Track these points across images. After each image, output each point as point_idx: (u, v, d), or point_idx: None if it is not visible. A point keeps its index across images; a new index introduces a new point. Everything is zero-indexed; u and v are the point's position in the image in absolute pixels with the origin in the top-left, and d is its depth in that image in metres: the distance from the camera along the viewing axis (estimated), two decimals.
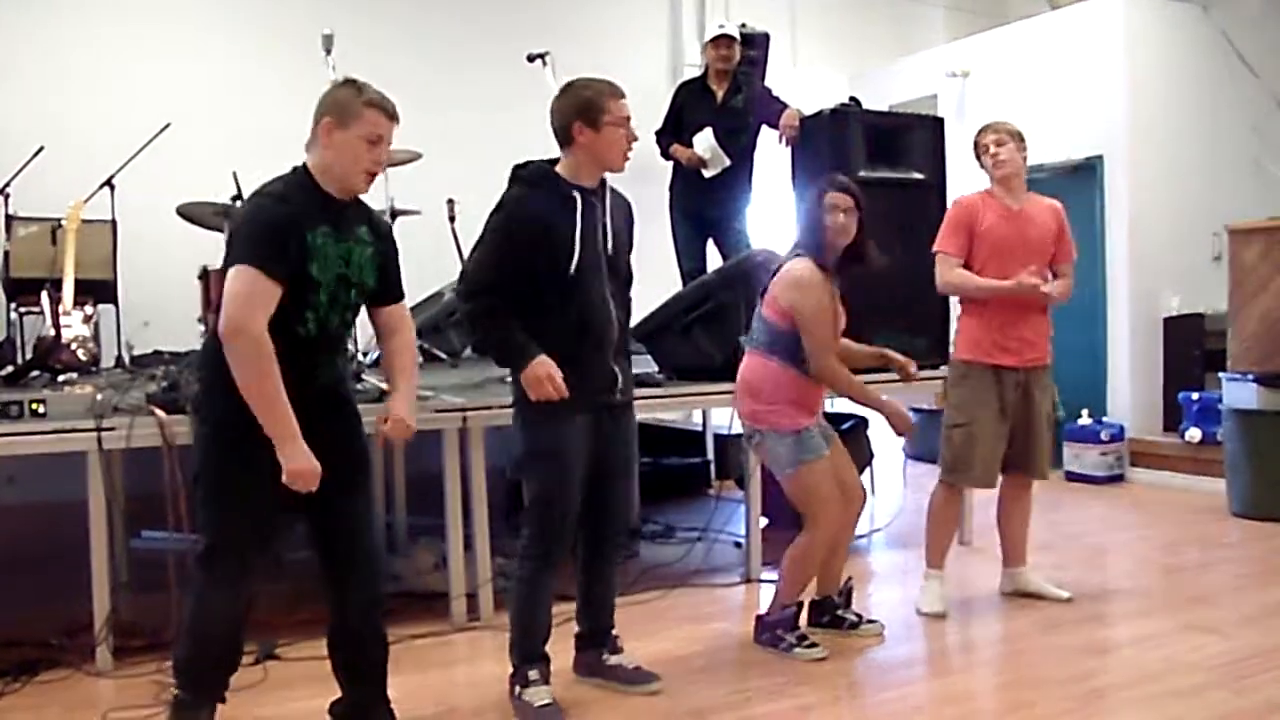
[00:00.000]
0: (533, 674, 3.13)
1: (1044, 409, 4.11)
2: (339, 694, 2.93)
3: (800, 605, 3.73)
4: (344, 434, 2.80)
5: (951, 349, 4.20)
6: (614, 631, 3.40)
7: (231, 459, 2.65)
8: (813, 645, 3.63)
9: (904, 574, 4.63)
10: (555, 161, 3.16)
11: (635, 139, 3.16)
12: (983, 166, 4.12)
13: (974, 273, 4.01)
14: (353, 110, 2.65)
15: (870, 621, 3.85)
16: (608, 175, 3.21)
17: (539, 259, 3.05)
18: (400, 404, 2.86)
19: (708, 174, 5.61)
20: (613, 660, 3.36)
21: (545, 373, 3.01)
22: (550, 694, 3.13)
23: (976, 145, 4.11)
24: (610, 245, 3.15)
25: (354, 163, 2.67)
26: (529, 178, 3.13)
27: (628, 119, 3.11)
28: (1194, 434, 6.38)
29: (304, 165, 2.70)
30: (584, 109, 3.07)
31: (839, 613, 3.86)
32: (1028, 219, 4.04)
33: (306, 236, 2.59)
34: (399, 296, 2.95)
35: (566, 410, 3.06)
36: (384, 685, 2.94)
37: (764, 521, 4.66)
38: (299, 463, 2.56)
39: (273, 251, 2.55)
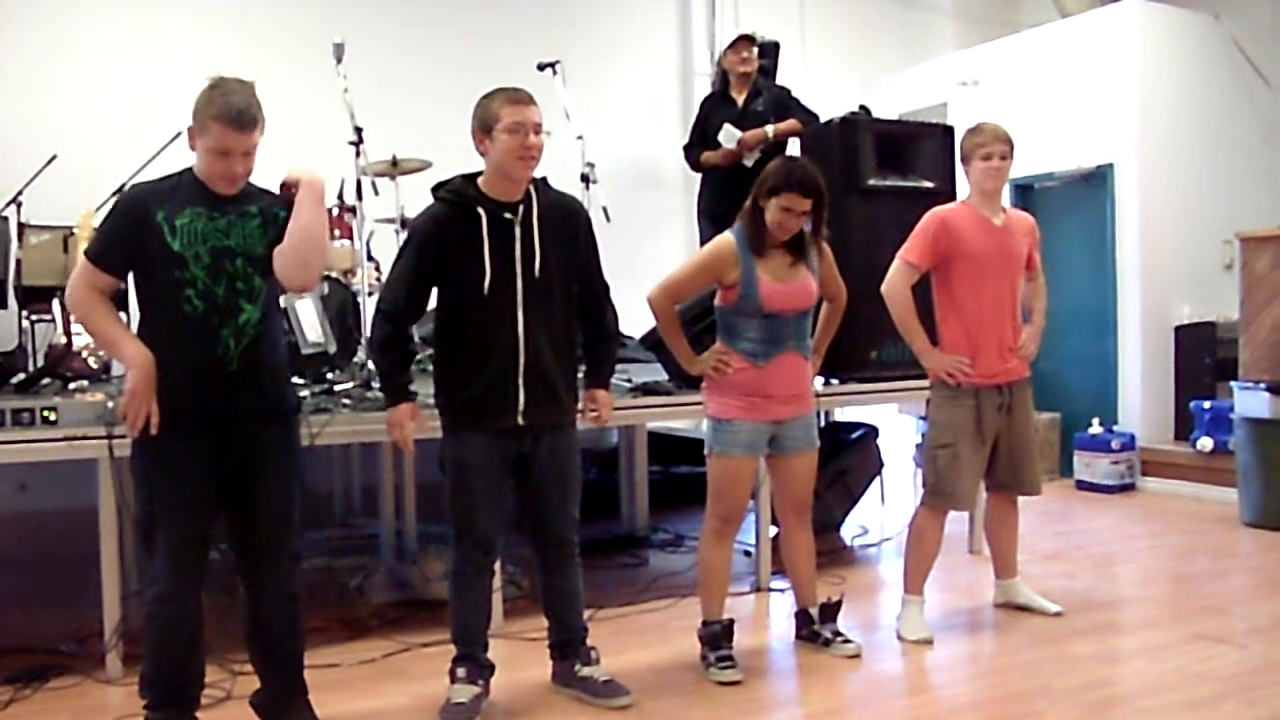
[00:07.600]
0: (460, 671, 3.22)
1: (1029, 423, 4.03)
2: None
3: (721, 624, 3.63)
4: (257, 421, 2.78)
5: None
6: (588, 643, 3.39)
7: (148, 447, 2.71)
8: (728, 667, 3.52)
9: None
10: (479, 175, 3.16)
11: (532, 145, 3.01)
12: (971, 171, 3.91)
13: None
14: (200, 122, 2.68)
15: (846, 641, 3.73)
16: (551, 181, 3.24)
17: (448, 278, 3.10)
18: None
19: (749, 162, 5.47)
20: (584, 672, 3.34)
21: (396, 420, 3.15)
22: (469, 694, 3.17)
23: (978, 148, 3.86)
24: (535, 263, 3.09)
25: (207, 170, 2.75)
26: (442, 195, 3.13)
27: (521, 124, 3.00)
28: (1205, 443, 6.35)
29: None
30: (481, 117, 3.06)
31: (814, 627, 3.80)
32: (1008, 233, 3.91)
33: (156, 216, 2.68)
34: None
35: (468, 426, 3.14)
36: (300, 678, 2.98)
37: (774, 530, 4.64)
38: (132, 360, 2.65)
39: (104, 245, 2.72)
